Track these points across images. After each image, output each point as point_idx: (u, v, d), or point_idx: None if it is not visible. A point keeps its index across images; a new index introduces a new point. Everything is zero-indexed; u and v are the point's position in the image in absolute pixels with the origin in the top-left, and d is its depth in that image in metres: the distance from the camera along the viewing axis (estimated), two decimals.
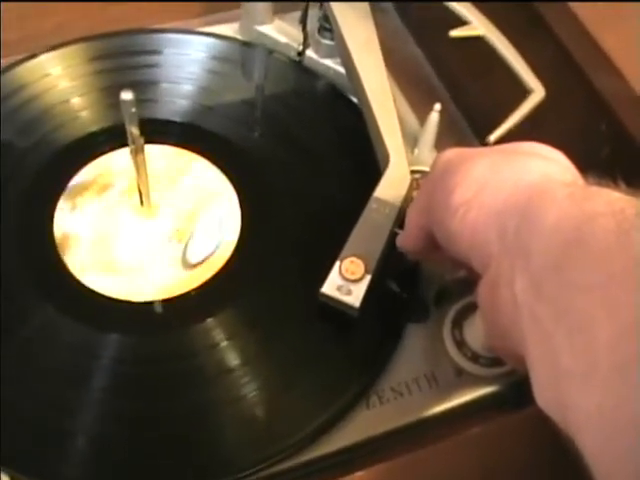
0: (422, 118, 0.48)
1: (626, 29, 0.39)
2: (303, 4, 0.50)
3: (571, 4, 0.40)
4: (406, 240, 0.38)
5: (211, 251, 0.42)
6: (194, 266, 0.42)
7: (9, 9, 0.52)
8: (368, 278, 0.38)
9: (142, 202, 0.43)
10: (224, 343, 0.39)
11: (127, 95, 0.37)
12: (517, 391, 0.40)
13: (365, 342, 0.40)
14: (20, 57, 0.49)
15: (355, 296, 0.38)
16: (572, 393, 0.24)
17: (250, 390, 0.37)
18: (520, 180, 0.29)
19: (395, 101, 0.47)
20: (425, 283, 0.42)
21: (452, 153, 0.34)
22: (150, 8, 0.54)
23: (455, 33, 0.42)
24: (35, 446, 0.35)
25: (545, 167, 0.30)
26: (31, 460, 0.35)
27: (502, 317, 0.29)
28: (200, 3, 0.56)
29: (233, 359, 0.38)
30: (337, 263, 0.38)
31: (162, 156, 0.46)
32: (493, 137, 0.41)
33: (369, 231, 0.39)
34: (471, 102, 0.52)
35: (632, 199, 0.25)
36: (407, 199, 0.41)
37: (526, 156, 0.31)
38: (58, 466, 0.35)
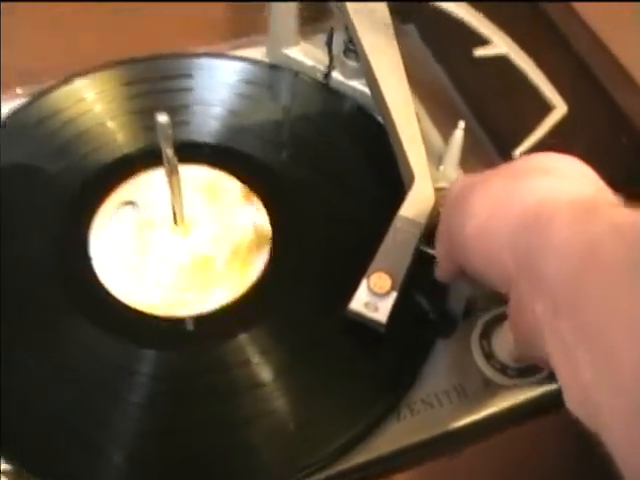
0: (446, 136, 0.49)
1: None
2: (329, 27, 0.52)
3: (587, 19, 0.41)
4: (439, 272, 0.40)
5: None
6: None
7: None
8: (394, 294, 0.39)
9: (176, 221, 0.45)
10: (257, 358, 0.40)
11: (163, 118, 0.39)
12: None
13: (394, 356, 0.41)
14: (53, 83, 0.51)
15: (382, 312, 0.39)
16: (600, 399, 0.25)
17: (283, 403, 0.38)
18: (526, 201, 0.30)
19: (419, 121, 0.48)
20: (453, 297, 0.43)
21: (464, 181, 0.36)
22: (176, 31, 0.56)
23: (479, 53, 0.43)
24: (67, 457, 0.37)
25: (551, 184, 0.31)
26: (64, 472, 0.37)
27: (528, 334, 0.30)
28: (226, 26, 0.58)
29: (266, 373, 0.39)
30: (364, 280, 0.39)
31: (195, 176, 0.47)
32: (518, 152, 0.42)
33: (395, 248, 0.40)
34: (494, 120, 0.53)
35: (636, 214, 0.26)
36: (432, 217, 0.42)
37: (533, 175, 0.32)
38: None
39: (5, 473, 0.35)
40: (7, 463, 0.36)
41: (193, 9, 0.58)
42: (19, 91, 0.53)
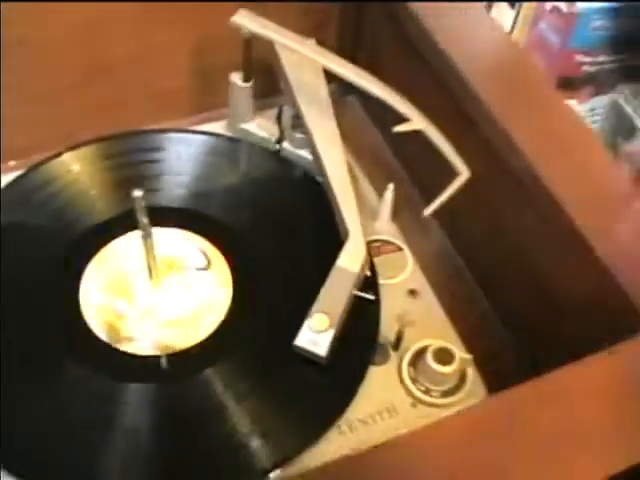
0: (382, 193, 0.58)
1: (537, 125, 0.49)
2: (279, 104, 0.61)
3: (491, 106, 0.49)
4: None
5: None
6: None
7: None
8: (332, 332, 0.48)
9: (151, 275, 0.53)
10: (221, 388, 0.48)
11: (138, 193, 0.47)
12: None
13: (334, 381, 0.49)
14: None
15: (322, 347, 0.47)
16: None
17: (246, 421, 0.47)
18: None
19: (357, 180, 0.57)
20: (384, 330, 0.52)
21: None
22: (144, 109, 0.64)
23: (399, 129, 0.52)
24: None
25: None
26: None
27: None
28: (190, 103, 0.67)
29: (230, 399, 0.48)
30: (307, 319, 0.48)
31: (166, 237, 0.55)
32: (427, 212, 0.51)
33: (333, 293, 0.49)
34: (422, 177, 0.62)
35: None
36: (363, 267, 0.51)
37: None
38: None
39: None
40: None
41: (160, 80, 0.67)
42: (12, 163, 0.62)
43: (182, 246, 0.55)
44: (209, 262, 0.54)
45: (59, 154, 0.60)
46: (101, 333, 0.51)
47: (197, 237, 0.56)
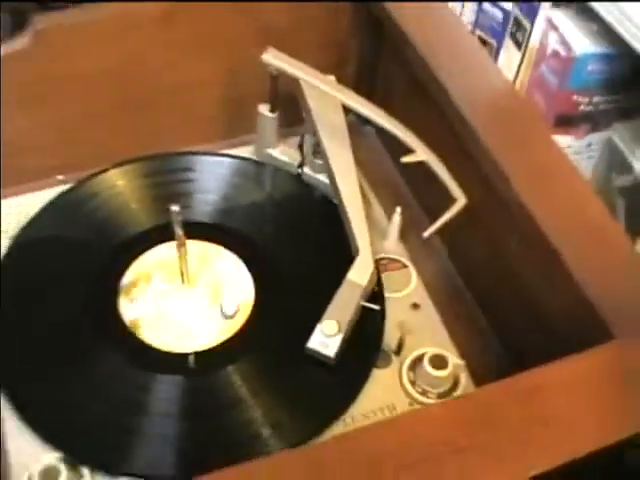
0: (391, 215, 0.64)
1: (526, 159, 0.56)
2: (301, 132, 0.68)
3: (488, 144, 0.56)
4: None
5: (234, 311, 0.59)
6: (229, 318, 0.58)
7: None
8: (340, 336, 0.54)
9: (183, 281, 0.60)
10: (240, 383, 0.55)
11: (175, 208, 0.54)
12: None
13: (342, 380, 0.55)
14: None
15: (331, 349, 0.54)
16: None
17: (263, 410, 0.53)
18: None
19: (368, 204, 0.64)
20: (388, 337, 0.58)
21: None
22: (179, 133, 0.71)
23: (405, 160, 0.58)
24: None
25: None
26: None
27: None
28: (221, 129, 0.74)
29: (250, 391, 0.54)
30: (318, 325, 0.55)
31: (197, 247, 0.62)
32: (426, 234, 0.58)
33: (343, 302, 0.56)
34: (428, 201, 0.69)
35: None
36: (371, 281, 0.57)
37: None
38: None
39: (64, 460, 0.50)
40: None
41: (194, 108, 0.74)
42: (60, 177, 0.70)
43: (210, 255, 0.62)
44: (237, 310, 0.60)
45: (105, 170, 0.67)
46: (142, 333, 0.58)
47: (223, 248, 0.62)
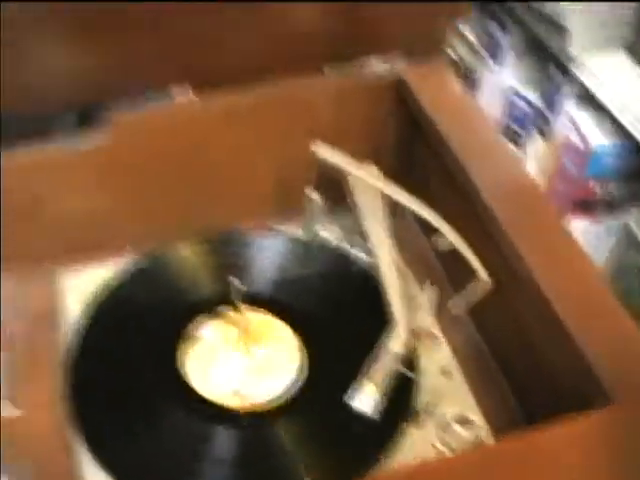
0: (424, 289, 0.73)
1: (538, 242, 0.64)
2: (345, 213, 0.77)
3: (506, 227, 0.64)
4: None
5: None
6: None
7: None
8: (378, 397, 0.62)
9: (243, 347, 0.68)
10: (287, 438, 0.62)
11: (235, 281, 0.63)
12: None
13: (376, 437, 0.63)
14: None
15: (370, 407, 0.62)
16: None
17: (312, 462, 0.61)
18: None
19: (405, 279, 0.72)
20: (420, 398, 0.66)
21: None
22: (236, 208, 0.80)
23: (434, 241, 0.67)
24: None
25: None
26: None
27: None
28: (272, 206, 0.83)
29: (292, 446, 0.62)
30: (358, 386, 0.62)
31: (254, 316, 0.71)
32: (455, 311, 0.66)
33: (381, 368, 0.63)
34: (456, 279, 0.76)
35: None
36: (406, 349, 0.65)
37: None
38: None
39: None
40: None
41: (249, 187, 0.83)
42: (128, 247, 0.79)
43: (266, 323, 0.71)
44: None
45: (174, 246, 0.77)
46: (201, 389, 0.66)
47: (276, 319, 0.71)
